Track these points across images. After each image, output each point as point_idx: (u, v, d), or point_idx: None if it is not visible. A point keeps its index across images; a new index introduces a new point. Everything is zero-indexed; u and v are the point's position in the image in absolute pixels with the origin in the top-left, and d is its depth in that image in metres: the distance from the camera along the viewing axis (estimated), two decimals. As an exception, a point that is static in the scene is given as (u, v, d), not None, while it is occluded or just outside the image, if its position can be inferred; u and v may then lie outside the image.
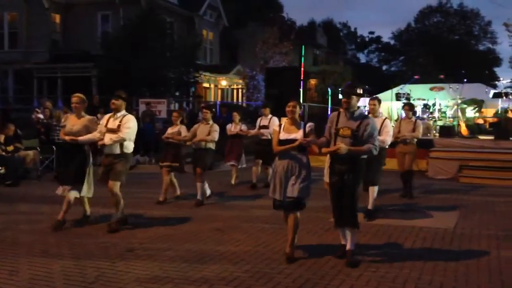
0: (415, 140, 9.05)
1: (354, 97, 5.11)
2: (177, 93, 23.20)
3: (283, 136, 5.32)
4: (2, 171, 10.53)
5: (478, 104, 16.58)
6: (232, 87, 31.60)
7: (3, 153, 10.70)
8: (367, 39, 61.63)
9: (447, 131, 14.24)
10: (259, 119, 10.28)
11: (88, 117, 6.76)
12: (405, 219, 7.29)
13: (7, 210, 7.79)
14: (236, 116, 10.53)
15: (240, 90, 31.63)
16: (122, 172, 6.43)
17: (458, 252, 5.59)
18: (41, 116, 13.83)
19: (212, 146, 8.38)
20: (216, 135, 8.26)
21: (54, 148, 12.21)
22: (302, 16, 77.10)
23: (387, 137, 7.52)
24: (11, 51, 26.09)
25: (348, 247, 5.15)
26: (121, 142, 6.42)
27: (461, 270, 4.96)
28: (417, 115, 15.71)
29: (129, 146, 6.56)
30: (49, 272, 4.79)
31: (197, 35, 26.96)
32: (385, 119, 7.75)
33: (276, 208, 5.38)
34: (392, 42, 59.65)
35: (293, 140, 5.21)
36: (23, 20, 25.83)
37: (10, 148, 10.88)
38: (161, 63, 20.97)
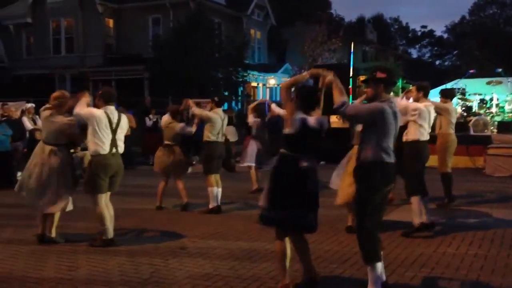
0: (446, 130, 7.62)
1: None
2: (226, 93, 23.44)
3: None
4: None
5: None
6: (280, 85, 31.60)
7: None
8: (419, 33, 60.02)
9: (506, 126, 13.67)
10: None
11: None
12: (461, 218, 7.04)
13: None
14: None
15: (289, 89, 31.56)
16: None
17: (519, 253, 5.34)
18: None
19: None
20: None
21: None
22: (351, 13, 76.06)
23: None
24: (68, 55, 27.19)
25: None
26: None
27: (523, 272, 4.74)
28: (473, 110, 15.16)
29: None
30: (106, 268, 4.95)
31: (245, 34, 27.12)
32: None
33: None
34: (445, 36, 57.87)
35: None
36: (79, 26, 26.87)
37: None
38: (209, 63, 21.25)
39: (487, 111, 15.28)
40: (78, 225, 6.71)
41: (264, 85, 30.35)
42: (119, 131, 5.70)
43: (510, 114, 15.36)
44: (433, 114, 6.67)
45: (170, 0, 25.61)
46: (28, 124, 11.77)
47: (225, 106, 22.44)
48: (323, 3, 42.71)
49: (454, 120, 7.90)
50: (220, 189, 7.60)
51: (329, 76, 4.23)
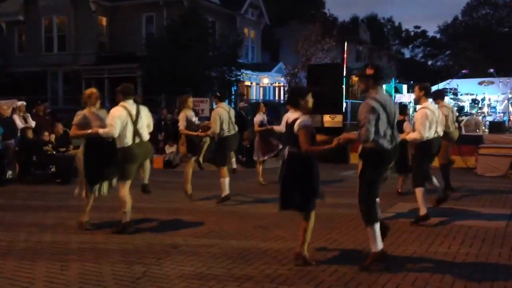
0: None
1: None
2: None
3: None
4: (53, 169, 10.92)
5: None
6: (274, 85, 31.60)
7: (54, 152, 11.09)
8: (412, 33, 60.27)
9: (497, 126, 13.75)
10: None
11: None
12: (452, 217, 7.08)
13: (58, 207, 8.07)
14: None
15: (282, 88, 31.58)
16: None
17: (510, 251, 5.38)
18: None
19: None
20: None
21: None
22: (345, 12, 76.26)
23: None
24: (60, 53, 27.08)
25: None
26: None
27: (514, 270, 4.78)
28: (465, 110, 15.25)
29: None
30: (98, 267, 4.93)
31: (238, 33, 27.12)
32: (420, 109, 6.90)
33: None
34: (438, 36, 58.16)
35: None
36: (71, 24, 26.76)
37: (63, 149, 11.26)
38: (203, 62, 21.22)
39: (479, 111, 15.37)
40: (70, 223, 6.68)
41: (257, 84, 30.36)
42: (139, 121, 6.13)
43: (502, 114, 15.47)
44: (437, 111, 7.00)
45: (164, -1, 25.57)
46: (19, 122, 11.70)
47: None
48: (317, 3, 42.77)
49: (452, 118, 8.55)
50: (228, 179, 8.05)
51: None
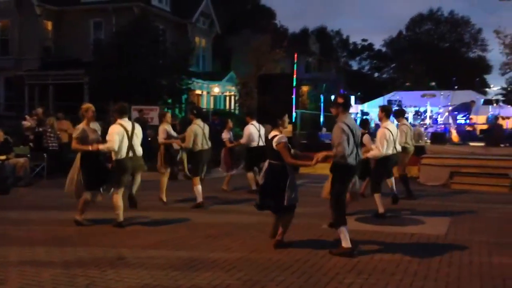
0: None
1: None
2: (169, 100, 23.16)
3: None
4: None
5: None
6: (224, 94, 31.61)
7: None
8: (359, 46, 61.98)
9: (439, 137, 14.32)
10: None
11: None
12: (397, 225, 7.31)
13: (-3, 218, 7.71)
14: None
15: (232, 97, 31.64)
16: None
17: (449, 258, 5.60)
18: (28, 123, 13.76)
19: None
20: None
21: (45, 155, 12.17)
22: (295, 24, 77.63)
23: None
24: (3, 58, 25.98)
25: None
26: None
27: (453, 276, 4.98)
28: (409, 121, 15.83)
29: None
30: (39, 281, 4.74)
31: (189, 42, 26.97)
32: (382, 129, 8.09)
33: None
34: (383, 49, 60.11)
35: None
36: (15, 27, 25.76)
37: (2, 157, 10.79)
38: (153, 70, 20.95)
39: (421, 122, 16.00)
40: (13, 234, 6.40)
41: (208, 93, 30.26)
42: (134, 137, 6.93)
43: (442, 126, 16.17)
44: (395, 130, 8.24)
45: (113, 5, 25.07)
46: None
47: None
48: (268, 14, 43.26)
49: (410, 135, 9.82)
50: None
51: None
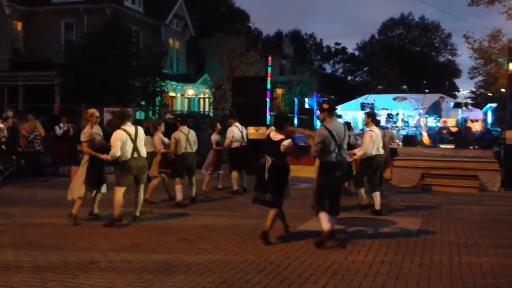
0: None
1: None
2: (143, 102, 22.93)
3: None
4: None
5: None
6: (199, 96, 31.48)
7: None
8: (332, 50, 62.66)
9: (410, 140, 14.55)
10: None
11: None
12: (370, 227, 7.41)
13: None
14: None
15: (207, 99, 31.55)
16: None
17: (420, 259, 5.70)
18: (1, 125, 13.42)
19: None
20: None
21: (14, 158, 11.94)
22: (269, 27, 77.87)
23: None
24: (-30, 58, 25.28)
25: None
26: None
27: (424, 276, 5.07)
28: (381, 124, 16.06)
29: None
30: (9, 286, 4.63)
31: (163, 44, 26.77)
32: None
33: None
34: (356, 53, 60.91)
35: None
36: (-17, 27, 25.11)
37: None
38: (126, 72, 20.71)
39: (393, 125, 16.25)
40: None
41: (182, 95, 30.09)
42: (138, 140, 7.42)
43: (414, 128, 16.45)
44: (380, 134, 8.85)
45: (85, 6, 24.70)
46: None
47: (142, 115, 22.03)
48: (242, 16, 43.30)
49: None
50: (194, 187, 9.39)
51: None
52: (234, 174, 10.65)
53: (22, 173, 12.63)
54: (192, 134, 9.31)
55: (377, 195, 8.49)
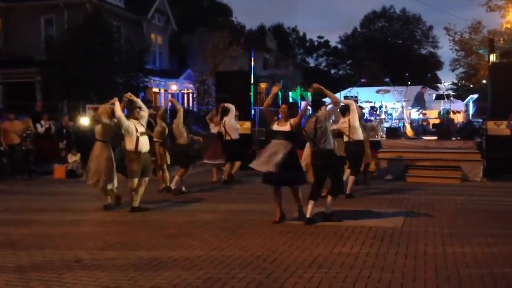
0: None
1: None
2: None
3: (276, 127, 7.24)
4: None
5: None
6: (182, 91, 31.32)
7: None
8: (316, 43, 62.75)
9: (393, 132, 14.66)
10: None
11: None
12: (354, 219, 7.45)
13: None
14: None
15: (190, 95, 31.41)
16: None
17: (405, 250, 5.76)
18: None
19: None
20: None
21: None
22: (252, 21, 77.61)
23: None
24: None
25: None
26: None
27: (409, 267, 5.12)
28: (365, 117, 16.14)
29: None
30: (-9, 287, 4.57)
31: (145, 39, 26.55)
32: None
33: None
34: (339, 46, 61.07)
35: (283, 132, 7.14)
36: (-40, 24, 24.62)
37: None
38: (108, 67, 20.50)
39: (377, 117, 16.34)
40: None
41: (166, 90, 29.91)
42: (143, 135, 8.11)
43: (397, 121, 16.57)
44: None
45: (64, 1, 24.33)
46: None
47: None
48: (225, 11, 43.11)
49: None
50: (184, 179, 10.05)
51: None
52: (228, 165, 11.29)
53: (5, 171, 12.47)
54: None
55: (352, 179, 9.40)
